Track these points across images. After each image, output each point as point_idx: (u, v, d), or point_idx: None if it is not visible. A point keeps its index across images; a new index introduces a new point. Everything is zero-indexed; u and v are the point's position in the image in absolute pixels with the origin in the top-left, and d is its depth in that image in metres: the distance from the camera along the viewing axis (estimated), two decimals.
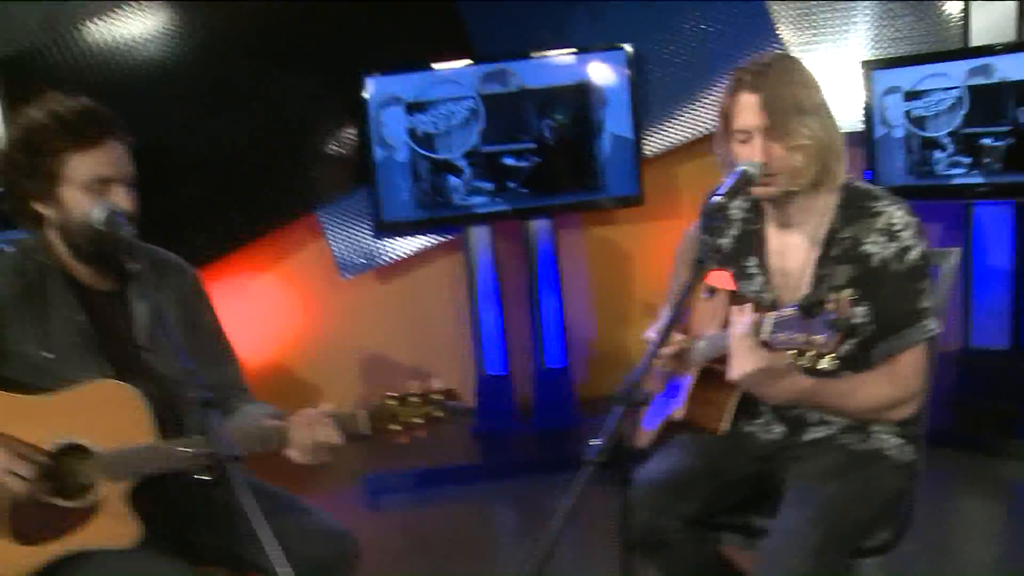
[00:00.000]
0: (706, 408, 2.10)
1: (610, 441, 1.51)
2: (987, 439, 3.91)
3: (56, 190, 1.93)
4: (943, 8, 4.39)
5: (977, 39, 4.32)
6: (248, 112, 4.35)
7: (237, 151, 4.35)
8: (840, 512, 1.92)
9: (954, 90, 4.00)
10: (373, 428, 1.93)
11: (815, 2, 4.48)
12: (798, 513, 1.92)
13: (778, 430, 2.15)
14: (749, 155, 1.98)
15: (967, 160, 4.01)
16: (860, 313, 1.97)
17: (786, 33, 4.48)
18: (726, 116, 2.04)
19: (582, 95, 4.36)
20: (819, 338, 1.70)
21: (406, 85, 4.30)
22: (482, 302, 4.49)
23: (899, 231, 1.98)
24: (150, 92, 4.18)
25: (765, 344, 1.82)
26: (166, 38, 4.21)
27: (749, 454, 2.15)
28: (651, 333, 2.19)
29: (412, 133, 4.32)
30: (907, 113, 4.15)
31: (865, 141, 4.26)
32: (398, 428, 1.94)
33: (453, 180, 4.37)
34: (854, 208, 2.04)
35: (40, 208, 1.96)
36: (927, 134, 4.11)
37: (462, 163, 4.36)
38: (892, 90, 4.19)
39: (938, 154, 4.09)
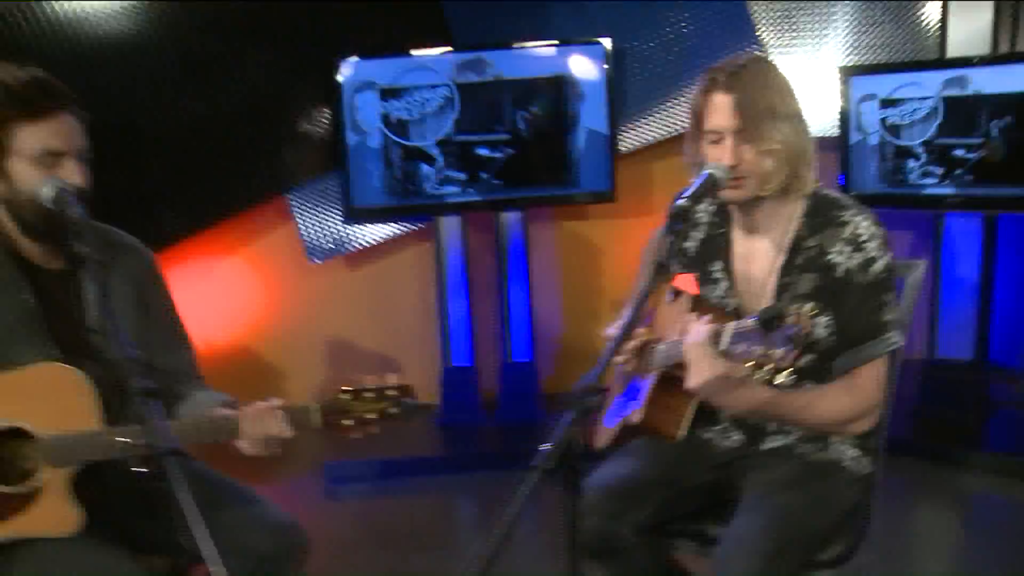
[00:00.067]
0: (664, 413, 2.09)
1: (558, 447, 1.48)
2: (948, 450, 3.93)
3: (3, 162, 1.87)
4: (921, 17, 4.39)
5: (953, 50, 4.32)
6: (219, 89, 4.26)
7: (206, 129, 4.27)
8: (793, 522, 1.91)
9: (929, 100, 4.01)
10: (325, 422, 1.91)
11: (796, 3, 4.47)
12: (750, 521, 1.91)
13: (736, 438, 2.14)
14: (719, 156, 1.96)
15: (939, 170, 4.02)
16: (822, 324, 1.96)
17: (766, 34, 4.47)
18: (698, 116, 2.01)
19: (558, 88, 4.31)
20: (777, 352, 1.68)
21: (381, 70, 4.24)
22: (450, 293, 4.46)
23: (864, 242, 1.97)
24: (118, 66, 4.09)
25: (724, 354, 1.80)
26: (135, 11, 4.11)
27: (706, 462, 2.14)
28: (612, 331, 2.16)
29: (386, 119, 4.27)
30: (882, 120, 4.14)
31: (839, 146, 4.25)
32: (350, 423, 1.92)
33: (425, 168, 4.32)
34: (821, 216, 2.02)
35: None
36: (901, 142, 4.11)
37: (435, 151, 4.31)
38: (868, 97, 4.18)
39: (911, 163, 4.09)
